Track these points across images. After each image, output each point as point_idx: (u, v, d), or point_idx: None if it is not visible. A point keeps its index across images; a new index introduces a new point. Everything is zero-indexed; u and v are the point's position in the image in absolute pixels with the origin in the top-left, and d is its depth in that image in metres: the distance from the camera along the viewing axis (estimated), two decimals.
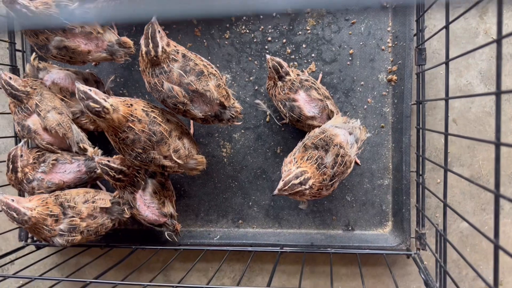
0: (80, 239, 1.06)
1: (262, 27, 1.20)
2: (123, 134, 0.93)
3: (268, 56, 1.05)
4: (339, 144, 0.96)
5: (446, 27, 0.90)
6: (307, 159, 0.95)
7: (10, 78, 1.06)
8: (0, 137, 1.21)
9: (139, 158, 0.97)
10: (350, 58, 1.18)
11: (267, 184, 1.24)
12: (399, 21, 1.14)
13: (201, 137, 1.25)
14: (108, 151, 1.24)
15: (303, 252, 1.17)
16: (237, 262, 1.30)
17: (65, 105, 1.13)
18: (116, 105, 0.89)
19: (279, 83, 1.06)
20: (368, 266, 1.24)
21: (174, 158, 1.00)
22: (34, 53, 1.15)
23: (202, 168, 1.10)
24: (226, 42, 1.22)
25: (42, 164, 1.10)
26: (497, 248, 0.65)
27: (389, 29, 1.17)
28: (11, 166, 1.08)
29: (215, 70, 1.02)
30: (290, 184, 0.90)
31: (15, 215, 0.97)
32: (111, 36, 1.06)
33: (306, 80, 1.07)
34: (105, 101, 0.88)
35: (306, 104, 1.06)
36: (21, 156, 1.08)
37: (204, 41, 1.23)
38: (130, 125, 0.92)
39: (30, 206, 0.99)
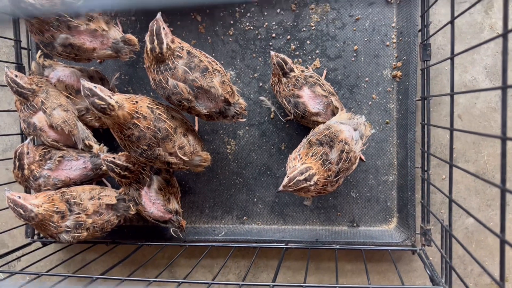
0: (86, 236, 1.07)
1: (266, 23, 1.20)
2: (128, 131, 0.93)
3: (272, 53, 1.05)
4: (344, 140, 0.96)
5: (452, 22, 0.90)
6: (312, 156, 0.95)
7: (16, 76, 1.06)
8: (6, 135, 1.22)
9: (144, 155, 0.97)
10: (354, 54, 1.18)
11: (271, 181, 1.24)
12: (403, 17, 1.14)
13: (205, 134, 1.26)
14: (113, 148, 1.25)
15: (308, 248, 1.17)
16: (242, 258, 1.30)
17: (70, 102, 1.13)
18: (121, 102, 0.90)
19: (284, 80, 1.06)
20: (373, 262, 1.24)
21: (179, 154, 1.00)
22: (39, 51, 1.16)
23: (207, 164, 1.10)
24: (230, 39, 1.22)
25: (48, 161, 1.11)
26: (503, 243, 0.65)
27: (393, 24, 1.16)
28: (17, 164, 1.09)
29: (220, 67, 1.02)
30: (295, 180, 0.91)
31: (21, 211, 0.97)
32: (116, 34, 1.07)
33: (311, 77, 1.07)
34: (111, 98, 0.88)
35: (310, 100, 1.06)
36: (28, 153, 1.09)
37: (209, 38, 1.23)
38: (136, 122, 0.93)
39: (36, 203, 1.00)
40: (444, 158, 1.18)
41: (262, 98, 1.20)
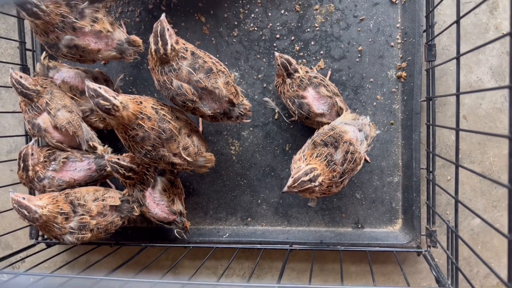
0: (90, 237, 1.07)
1: (271, 24, 1.20)
2: (132, 132, 0.93)
3: (276, 54, 1.05)
4: (348, 141, 0.96)
5: (457, 22, 0.89)
6: (316, 156, 0.94)
7: (21, 77, 1.07)
8: (11, 136, 1.23)
9: (148, 156, 0.97)
10: (359, 55, 1.18)
11: (276, 182, 1.24)
12: (408, 17, 1.13)
13: (209, 135, 1.25)
14: (117, 149, 1.25)
15: (313, 249, 1.17)
16: (246, 260, 1.30)
17: (75, 103, 1.14)
18: (125, 102, 0.90)
19: (288, 81, 1.06)
20: (378, 264, 1.24)
21: (183, 155, 1.00)
22: (44, 52, 1.16)
23: (211, 165, 1.10)
24: (235, 40, 1.22)
25: (52, 162, 1.11)
26: (511, 243, 0.65)
27: (398, 25, 1.16)
28: (22, 165, 1.09)
29: (224, 68, 1.02)
30: (299, 181, 0.90)
31: (26, 213, 0.97)
32: (121, 35, 1.07)
33: (315, 77, 1.06)
34: (115, 98, 0.88)
35: (315, 101, 1.06)
36: (32, 154, 1.09)
37: (213, 39, 1.23)
38: (140, 122, 0.93)
39: (40, 204, 1.00)
40: (449, 159, 1.17)
41: (266, 99, 1.20)
